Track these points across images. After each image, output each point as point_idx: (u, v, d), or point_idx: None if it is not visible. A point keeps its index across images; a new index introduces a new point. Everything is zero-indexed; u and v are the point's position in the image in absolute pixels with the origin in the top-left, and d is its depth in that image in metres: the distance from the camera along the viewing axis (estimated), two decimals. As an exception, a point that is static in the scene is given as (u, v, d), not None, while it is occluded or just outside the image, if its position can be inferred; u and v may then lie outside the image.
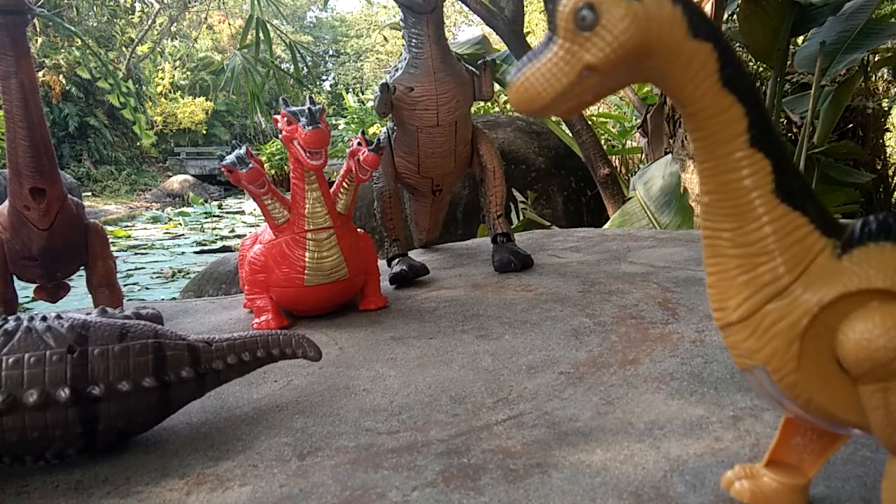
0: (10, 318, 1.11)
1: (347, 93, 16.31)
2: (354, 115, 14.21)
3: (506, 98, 8.08)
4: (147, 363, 1.12)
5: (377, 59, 27.22)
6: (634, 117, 6.43)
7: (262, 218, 1.94)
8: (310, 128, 1.72)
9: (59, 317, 1.12)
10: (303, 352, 1.30)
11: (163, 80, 22.75)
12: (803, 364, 0.66)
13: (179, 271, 7.96)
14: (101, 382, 1.07)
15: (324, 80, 32.12)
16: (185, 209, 15.23)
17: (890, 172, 5.49)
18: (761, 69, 5.58)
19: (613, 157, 5.96)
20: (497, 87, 4.69)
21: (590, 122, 4.93)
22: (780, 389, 0.68)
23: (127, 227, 12.16)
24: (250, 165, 1.80)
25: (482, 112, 7.97)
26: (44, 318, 1.11)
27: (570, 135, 5.15)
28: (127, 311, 1.34)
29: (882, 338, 0.62)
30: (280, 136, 1.83)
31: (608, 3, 0.59)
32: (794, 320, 0.66)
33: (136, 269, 8.10)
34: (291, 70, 5.84)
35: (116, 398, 1.08)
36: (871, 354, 0.62)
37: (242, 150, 1.82)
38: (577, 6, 0.60)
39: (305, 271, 1.83)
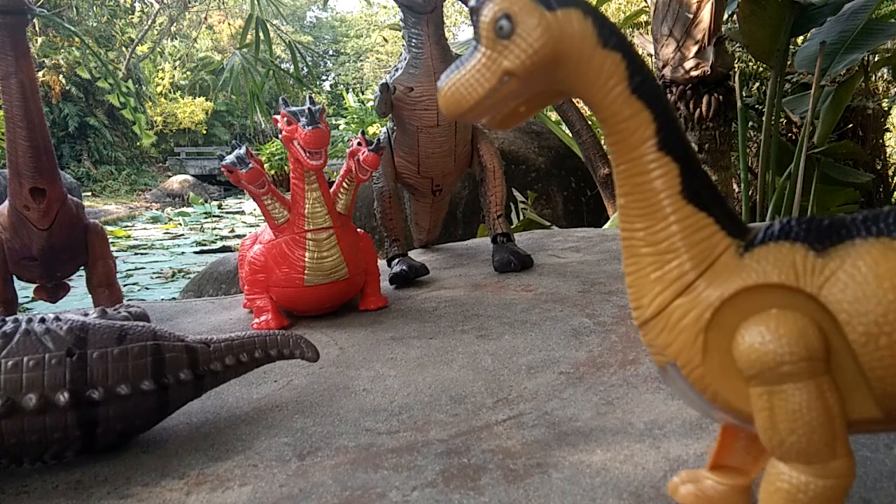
0: (8, 319, 1.10)
1: (348, 93, 16.30)
2: (354, 115, 14.21)
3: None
4: (146, 366, 1.11)
5: (377, 59, 27.22)
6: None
7: (262, 218, 1.94)
8: (310, 128, 1.72)
9: (57, 318, 1.12)
10: (300, 352, 1.30)
11: (163, 80, 22.75)
12: (708, 357, 0.69)
13: (179, 271, 7.96)
14: (100, 386, 1.06)
15: (324, 80, 32.13)
16: (184, 209, 15.23)
17: (890, 172, 5.50)
18: (761, 69, 5.58)
19: (613, 157, 5.95)
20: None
21: (590, 122, 4.94)
22: (689, 383, 0.71)
23: (127, 227, 12.17)
24: (250, 165, 1.80)
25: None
26: (42, 320, 1.10)
27: (570, 135, 5.15)
28: (112, 311, 1.34)
29: (773, 343, 0.64)
30: (280, 136, 1.83)
31: (523, 14, 0.64)
32: (699, 314, 0.69)
33: (136, 269, 8.10)
34: (291, 70, 5.84)
35: (115, 401, 1.08)
36: (761, 357, 0.65)
37: (242, 150, 1.82)
38: (496, 16, 0.65)
39: (305, 271, 1.83)
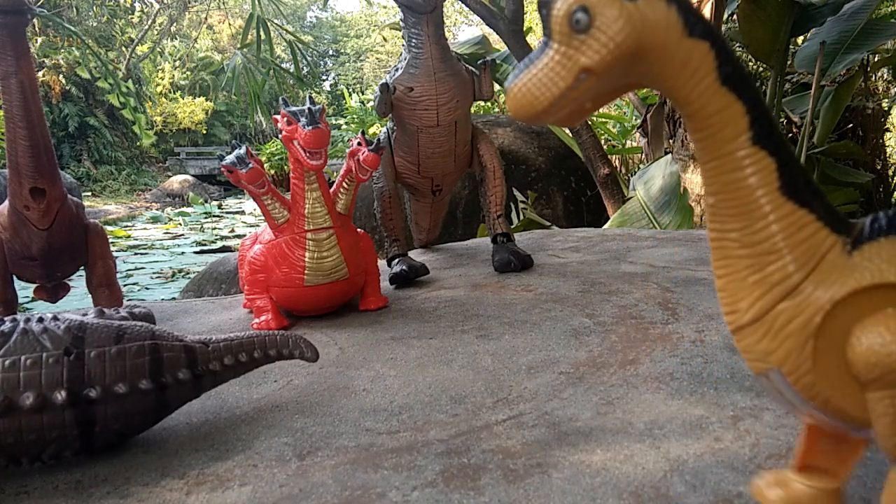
0: (6, 319, 1.10)
1: (350, 94, 16.29)
2: (355, 115, 14.21)
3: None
4: (144, 365, 1.11)
5: (377, 59, 27.22)
6: (634, 117, 6.43)
7: (262, 218, 1.94)
8: (310, 128, 1.72)
9: (55, 318, 1.12)
10: (300, 352, 1.30)
11: (163, 80, 22.75)
12: (819, 364, 0.65)
13: (179, 271, 7.96)
14: (98, 385, 1.06)
15: (324, 80, 32.13)
16: (184, 209, 15.23)
17: (890, 172, 5.49)
18: (761, 69, 5.58)
19: (613, 157, 5.96)
20: (497, 87, 4.68)
21: (590, 122, 4.93)
22: (797, 391, 0.67)
23: (127, 227, 12.16)
24: (250, 165, 1.80)
25: (482, 112, 7.98)
26: (40, 320, 1.10)
27: (570, 135, 5.15)
28: (122, 311, 1.34)
29: (895, 344, 0.61)
30: (280, 136, 1.83)
31: (602, 5, 0.59)
32: (807, 319, 0.64)
33: (136, 269, 8.10)
34: (292, 69, 5.84)
35: (113, 400, 1.07)
36: (882, 360, 0.61)
37: (242, 150, 1.82)
38: (570, 9, 0.60)
39: (305, 271, 1.83)
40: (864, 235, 0.65)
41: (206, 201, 16.68)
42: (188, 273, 7.59)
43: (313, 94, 2.13)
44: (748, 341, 0.68)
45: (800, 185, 0.65)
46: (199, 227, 12.27)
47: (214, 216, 14.05)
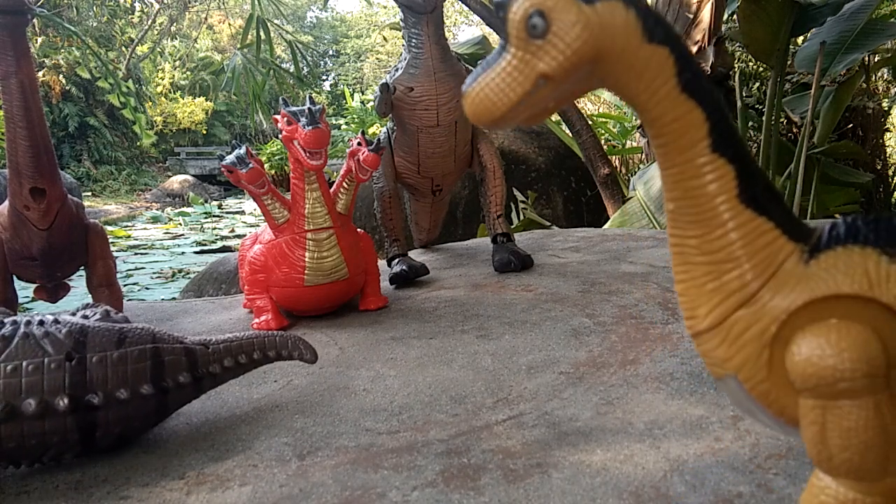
0: (6, 321, 1.10)
1: (352, 94, 16.28)
2: (355, 115, 14.21)
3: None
4: (145, 370, 1.11)
5: (377, 59, 27.22)
6: (634, 117, 6.42)
7: (262, 218, 1.94)
8: (310, 128, 1.72)
9: (56, 321, 1.11)
10: (298, 353, 1.30)
11: (163, 80, 22.75)
12: (774, 371, 0.65)
13: (179, 271, 7.96)
14: (100, 390, 1.06)
15: (324, 80, 32.13)
16: (185, 209, 15.23)
17: (890, 172, 5.49)
18: (761, 69, 5.58)
19: (613, 157, 5.96)
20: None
21: (590, 122, 4.93)
22: (753, 398, 0.67)
23: (127, 227, 12.16)
24: (250, 165, 1.80)
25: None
26: (41, 323, 1.10)
27: (570, 135, 5.15)
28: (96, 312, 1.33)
29: (833, 358, 0.61)
30: (280, 136, 1.83)
31: (559, 10, 0.58)
32: (763, 327, 0.64)
33: (136, 269, 8.09)
34: (292, 70, 5.84)
35: (114, 406, 1.07)
36: (818, 372, 0.61)
37: (242, 150, 1.82)
38: (527, 14, 0.58)
39: (305, 271, 1.83)
40: (822, 244, 0.65)
41: (206, 201, 16.68)
42: (188, 273, 7.59)
43: (313, 94, 2.13)
44: (706, 347, 0.68)
45: (759, 193, 0.65)
46: (200, 227, 12.27)
47: (214, 216, 14.05)
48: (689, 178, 0.64)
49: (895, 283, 0.62)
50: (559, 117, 5.68)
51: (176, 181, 18.46)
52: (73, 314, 1.23)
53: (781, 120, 4.95)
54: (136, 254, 9.19)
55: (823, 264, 0.64)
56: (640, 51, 0.60)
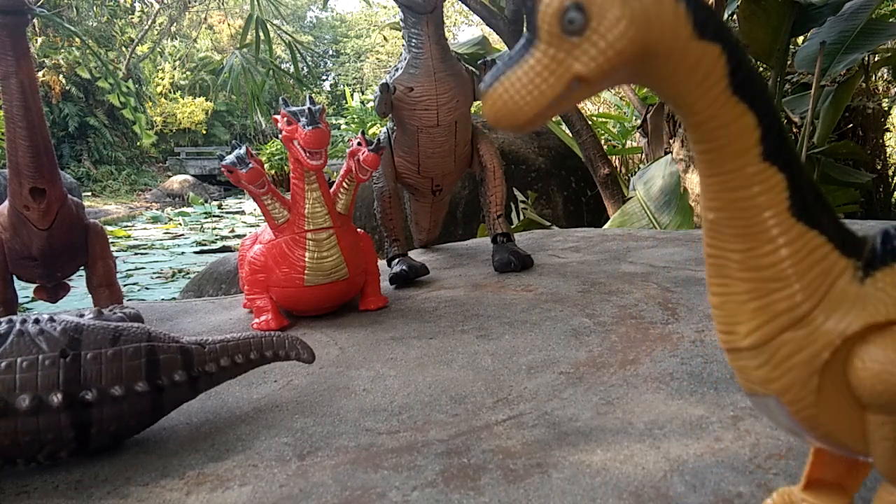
0: (2, 320, 1.10)
1: (352, 94, 16.28)
2: (355, 115, 14.21)
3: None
4: (140, 367, 1.11)
5: (377, 59, 27.23)
6: (634, 117, 6.43)
7: (262, 218, 1.94)
8: (310, 128, 1.72)
9: (51, 320, 1.12)
10: (296, 354, 1.30)
11: (163, 80, 22.75)
12: (822, 397, 0.61)
13: (179, 271, 7.96)
14: (94, 387, 1.07)
15: (324, 80, 32.13)
16: (185, 209, 15.23)
17: (890, 172, 5.49)
18: (761, 69, 5.58)
19: (613, 157, 5.96)
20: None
21: (590, 122, 4.93)
22: (796, 421, 0.63)
23: (127, 227, 12.16)
24: (250, 165, 1.80)
25: (482, 112, 7.97)
26: (36, 321, 1.11)
27: (570, 135, 5.15)
28: (105, 312, 1.34)
29: None
30: (280, 136, 1.83)
31: (600, 3, 0.51)
32: (815, 352, 0.59)
33: (136, 269, 8.09)
34: (291, 70, 5.84)
35: (109, 402, 1.08)
36: (890, 388, 0.57)
37: (242, 150, 1.82)
38: (562, 6, 0.51)
39: (305, 271, 1.83)
40: (877, 259, 0.60)
41: (206, 201, 16.68)
42: (188, 273, 7.59)
43: (313, 95, 2.13)
44: (744, 364, 0.63)
45: (810, 204, 0.59)
46: (199, 227, 12.27)
47: (214, 216, 14.05)
48: (736, 188, 0.58)
49: None
50: (559, 117, 5.68)
51: (176, 181, 18.46)
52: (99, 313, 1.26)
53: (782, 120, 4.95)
54: (136, 254, 9.19)
55: (881, 283, 0.59)
56: (690, 48, 0.53)
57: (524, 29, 0.55)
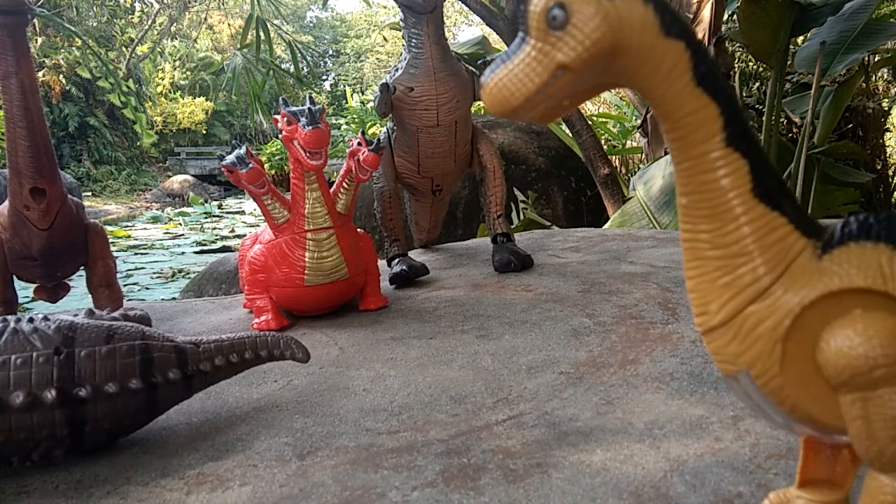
0: None
1: (353, 94, 16.28)
2: (355, 115, 14.22)
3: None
4: (134, 365, 1.12)
5: (377, 59, 27.23)
6: (634, 117, 6.43)
7: (262, 218, 1.94)
8: (310, 128, 1.72)
9: (45, 318, 1.12)
10: (291, 353, 1.30)
11: (163, 80, 22.75)
12: (787, 367, 0.65)
13: (179, 271, 7.96)
14: (88, 384, 1.07)
15: (324, 80, 32.13)
16: (185, 209, 15.23)
17: (890, 172, 5.49)
18: (761, 69, 5.58)
19: (613, 157, 5.96)
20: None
21: (590, 122, 4.93)
22: (765, 395, 0.67)
23: (127, 227, 12.16)
24: (250, 165, 1.80)
25: (482, 112, 7.98)
26: (31, 320, 1.11)
27: (570, 135, 5.15)
28: (115, 313, 1.34)
29: (863, 346, 0.61)
30: (280, 136, 1.83)
31: (578, 3, 0.59)
32: (777, 322, 0.64)
33: (136, 269, 8.10)
34: (292, 70, 5.84)
35: (103, 400, 1.08)
36: (851, 362, 0.61)
37: (242, 150, 1.82)
38: (547, 5, 0.60)
39: (305, 271, 1.83)
40: (835, 240, 0.65)
41: (206, 201, 16.68)
42: (188, 273, 7.59)
43: (313, 94, 2.13)
44: (718, 343, 0.68)
45: (772, 188, 0.65)
46: (200, 227, 12.27)
47: (214, 216, 14.05)
48: (702, 172, 0.64)
49: None
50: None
51: (176, 181, 18.46)
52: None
53: (781, 120, 4.95)
54: (136, 254, 9.19)
55: (836, 259, 0.64)
56: (657, 45, 0.61)
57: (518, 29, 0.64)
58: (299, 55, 5.58)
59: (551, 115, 0.65)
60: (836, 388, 0.64)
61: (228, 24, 24.55)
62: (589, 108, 7.70)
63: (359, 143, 1.93)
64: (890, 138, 5.84)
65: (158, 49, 20.57)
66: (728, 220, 0.65)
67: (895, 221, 0.64)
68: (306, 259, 1.82)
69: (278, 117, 1.82)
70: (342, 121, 15.56)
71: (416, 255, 2.76)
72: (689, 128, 0.63)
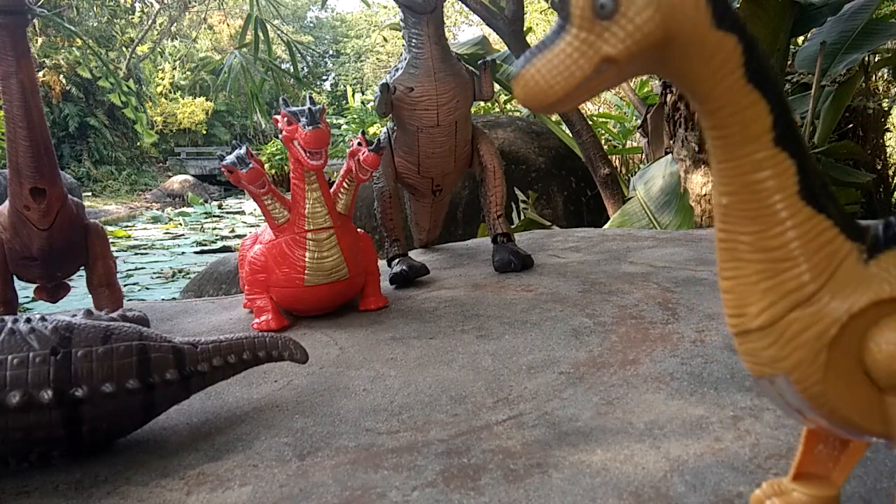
0: None
1: (354, 93, 16.27)
2: (355, 115, 14.22)
3: (506, 98, 8.11)
4: (131, 365, 1.11)
5: (377, 59, 27.22)
6: (634, 117, 6.43)
7: (262, 218, 1.94)
8: (310, 128, 1.72)
9: (43, 319, 1.12)
10: (289, 354, 1.30)
11: (163, 80, 22.75)
12: (830, 374, 0.64)
13: (179, 271, 7.96)
14: (85, 384, 1.07)
15: (324, 81, 32.13)
16: (185, 209, 15.23)
17: (890, 172, 5.49)
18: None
19: (613, 157, 5.96)
20: (497, 87, 4.67)
21: (590, 122, 4.93)
22: (804, 399, 0.66)
23: (127, 227, 12.16)
24: (250, 165, 1.80)
25: (482, 112, 7.98)
26: (28, 321, 1.11)
27: (570, 135, 5.15)
28: (113, 314, 1.34)
29: None
30: (280, 136, 1.83)
31: None
32: (822, 329, 0.63)
33: (136, 269, 8.10)
34: (291, 70, 5.84)
35: (100, 400, 1.07)
36: None
37: (242, 150, 1.82)
38: None
39: (305, 271, 1.83)
40: (880, 243, 0.64)
41: (206, 201, 16.68)
42: (188, 273, 7.59)
43: (313, 95, 2.13)
44: (754, 346, 0.66)
45: (818, 190, 0.63)
46: (200, 227, 12.27)
47: (214, 216, 14.05)
48: (748, 172, 0.62)
49: None
50: (559, 117, 5.68)
51: (176, 181, 18.47)
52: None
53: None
54: (136, 254, 9.19)
55: (884, 264, 0.63)
56: (709, 37, 0.58)
57: (556, 19, 0.59)
58: (298, 55, 5.57)
59: (579, 104, 0.63)
60: (885, 390, 0.63)
61: (228, 24, 24.56)
62: (589, 108, 7.70)
63: (359, 144, 1.93)
64: (890, 138, 5.84)
65: (158, 49, 20.57)
66: (773, 223, 0.62)
67: None
68: (306, 259, 1.82)
69: (278, 117, 1.82)
70: (342, 121, 15.56)
71: (416, 255, 2.76)
72: (738, 126, 0.61)
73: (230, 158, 1.82)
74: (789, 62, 4.39)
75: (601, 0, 0.56)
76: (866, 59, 4.87)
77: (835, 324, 0.62)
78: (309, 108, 1.75)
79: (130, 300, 2.82)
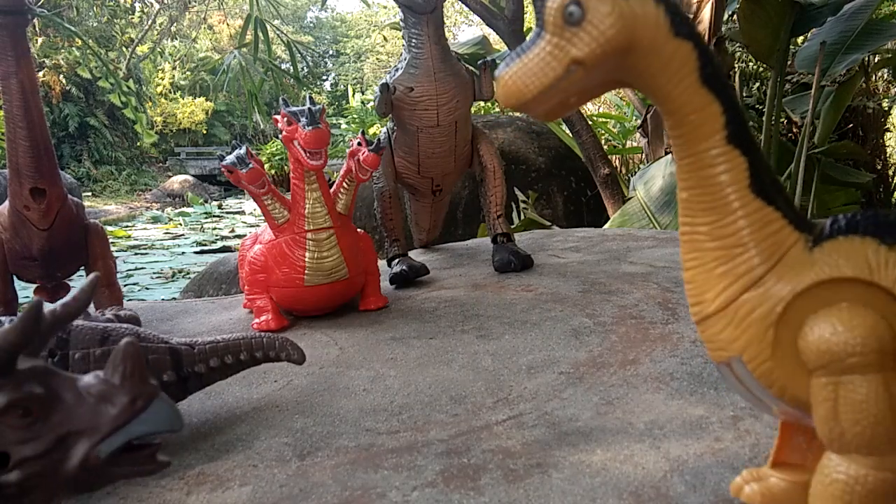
0: None
1: (354, 93, 16.27)
2: (355, 115, 14.22)
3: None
4: None
5: (377, 59, 27.22)
6: (634, 117, 6.42)
7: (262, 218, 1.94)
8: (310, 128, 1.72)
9: None
10: (286, 354, 1.30)
11: (163, 80, 22.75)
12: (777, 352, 0.69)
13: (179, 271, 7.96)
14: None
15: (324, 81, 32.13)
16: (185, 209, 15.23)
17: (890, 172, 5.49)
18: (761, 69, 5.58)
19: (613, 157, 5.96)
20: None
21: (590, 122, 4.93)
22: (756, 378, 0.71)
23: (127, 227, 12.16)
24: (250, 165, 1.80)
25: (482, 112, 7.98)
26: None
27: (571, 135, 5.15)
28: (107, 314, 1.34)
29: (844, 334, 0.65)
30: (280, 136, 1.83)
31: (595, 0, 0.62)
32: (769, 309, 0.68)
33: (136, 269, 8.10)
34: (291, 70, 5.84)
35: None
36: (831, 348, 0.65)
37: (242, 151, 1.82)
38: (564, 2, 0.62)
39: (305, 271, 1.83)
40: (825, 234, 0.69)
41: (206, 201, 16.68)
42: (188, 273, 7.59)
43: (313, 95, 2.13)
44: (712, 331, 0.72)
45: (768, 184, 0.69)
46: (200, 227, 12.27)
47: (214, 216, 14.05)
48: (704, 167, 0.68)
49: (893, 268, 0.66)
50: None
51: (176, 181, 18.46)
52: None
53: (782, 120, 4.95)
54: (136, 254, 9.19)
55: (826, 251, 0.69)
56: (667, 44, 0.64)
57: (534, 25, 0.66)
58: (298, 55, 5.57)
59: (559, 112, 0.68)
60: (811, 371, 0.68)
61: (228, 24, 24.55)
62: (589, 108, 7.69)
63: (359, 144, 1.93)
64: (890, 138, 5.84)
65: (158, 49, 20.57)
66: (726, 213, 0.69)
67: (881, 218, 0.68)
68: (306, 259, 1.82)
69: (278, 117, 1.82)
70: (342, 121, 15.56)
71: (416, 255, 2.76)
72: (693, 125, 0.67)
73: (230, 158, 1.82)
74: (789, 62, 4.38)
75: (570, 9, 0.62)
76: (866, 59, 4.87)
77: (780, 302, 0.68)
78: (309, 109, 1.75)
79: (130, 300, 2.82)
